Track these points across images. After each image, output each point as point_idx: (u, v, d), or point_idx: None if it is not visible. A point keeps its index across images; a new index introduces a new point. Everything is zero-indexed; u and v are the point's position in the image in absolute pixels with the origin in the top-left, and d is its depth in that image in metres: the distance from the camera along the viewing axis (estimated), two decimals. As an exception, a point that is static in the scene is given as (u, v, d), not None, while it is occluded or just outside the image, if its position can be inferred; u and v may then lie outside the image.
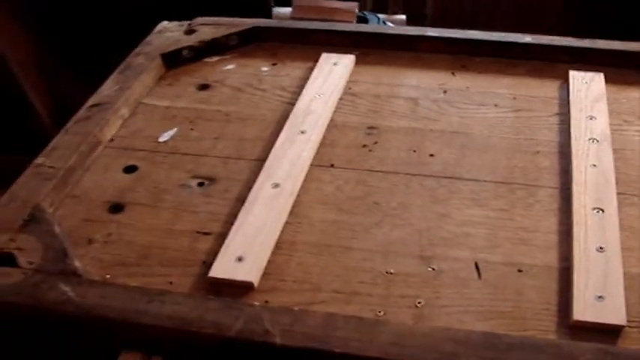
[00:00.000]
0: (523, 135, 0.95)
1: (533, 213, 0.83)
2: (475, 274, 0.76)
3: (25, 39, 2.05)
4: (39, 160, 0.95)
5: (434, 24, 1.67)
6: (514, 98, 1.03)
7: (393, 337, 0.67)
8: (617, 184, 0.85)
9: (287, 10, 1.70)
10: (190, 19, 1.26)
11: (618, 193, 0.84)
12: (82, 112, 1.04)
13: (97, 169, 0.96)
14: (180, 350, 0.71)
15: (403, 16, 1.77)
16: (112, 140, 1.01)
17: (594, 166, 0.87)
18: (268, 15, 1.83)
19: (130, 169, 0.96)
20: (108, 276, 0.80)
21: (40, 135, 1.08)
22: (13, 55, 1.99)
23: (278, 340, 0.68)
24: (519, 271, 0.76)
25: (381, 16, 1.71)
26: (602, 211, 0.80)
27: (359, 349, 0.66)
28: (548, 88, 1.04)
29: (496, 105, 1.02)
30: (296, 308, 0.71)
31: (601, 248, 0.75)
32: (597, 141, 0.91)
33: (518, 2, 2.00)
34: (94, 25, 2.02)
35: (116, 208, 0.90)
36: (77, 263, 0.80)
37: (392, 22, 1.71)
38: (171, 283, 0.78)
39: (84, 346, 0.74)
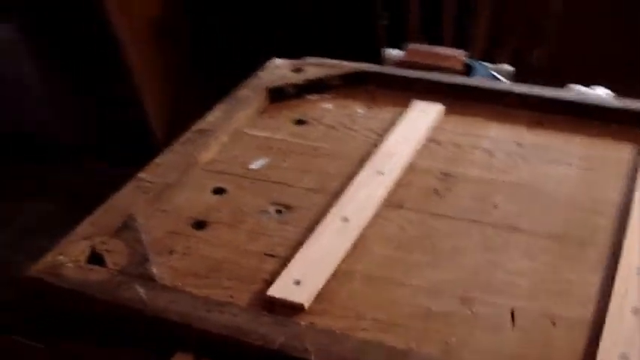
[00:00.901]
0: (587, 193, 0.97)
1: (579, 267, 0.85)
2: (510, 321, 0.79)
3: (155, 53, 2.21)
4: (141, 174, 1.05)
5: (541, 76, 1.68)
6: (586, 158, 1.05)
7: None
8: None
9: (398, 52, 1.76)
10: (304, 56, 1.34)
11: (671, 257, 0.84)
12: (187, 134, 1.15)
13: (189, 188, 1.05)
14: (229, 356, 0.78)
15: (510, 68, 1.79)
16: (208, 163, 1.11)
17: (651, 229, 0.88)
18: (379, 56, 1.91)
19: (218, 191, 1.05)
20: (180, 284, 0.88)
21: (152, 148, 1.20)
22: (139, 67, 2.14)
23: (313, 358, 0.73)
24: (553, 323, 0.78)
25: (488, 65, 1.75)
26: (651, 270, 0.82)
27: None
28: (621, 151, 1.05)
29: (566, 162, 1.04)
30: (337, 332, 0.76)
31: (636, 310, 0.76)
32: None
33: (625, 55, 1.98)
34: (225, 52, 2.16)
35: (199, 224, 0.98)
36: (155, 270, 0.89)
37: (498, 72, 1.74)
38: (231, 296, 0.85)
39: (145, 343, 0.82)
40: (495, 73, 1.70)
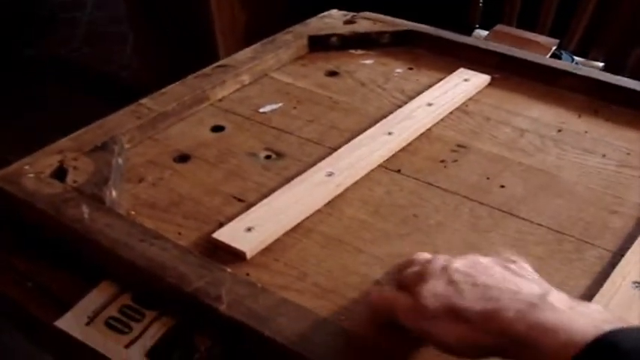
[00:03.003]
0: (612, 191, 0.83)
1: (567, 268, 0.72)
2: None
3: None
4: (143, 100, 1.00)
5: (633, 76, 1.51)
6: (627, 153, 0.90)
7: (328, 338, 0.62)
8: (686, 266, 0.71)
9: (486, 33, 1.63)
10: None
11: (681, 276, 0.70)
12: (207, 69, 1.08)
13: (190, 122, 0.99)
14: (145, 292, 0.71)
15: (600, 64, 1.62)
16: (220, 100, 1.04)
17: (667, 239, 0.74)
18: (468, 34, 1.78)
19: (217, 129, 0.98)
20: (133, 212, 0.81)
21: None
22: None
23: (223, 308, 0.65)
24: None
25: (577, 59, 1.58)
26: (643, 286, 0.68)
27: (290, 342, 0.62)
28: (673, 152, 0.90)
29: (604, 155, 0.90)
30: (259, 285, 0.68)
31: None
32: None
33: None
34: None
35: (182, 158, 0.92)
36: (113, 194, 0.83)
37: (587, 67, 1.58)
38: (180, 233, 0.78)
39: (78, 266, 0.76)
40: (582, 67, 1.53)
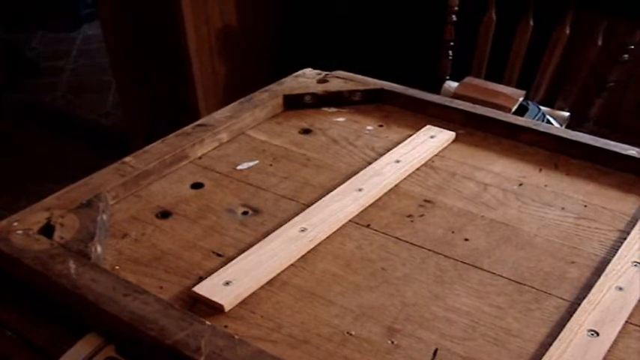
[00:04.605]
0: (570, 242, 0.89)
1: (526, 318, 0.78)
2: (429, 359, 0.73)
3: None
4: (126, 158, 1.05)
5: (597, 127, 1.59)
6: (585, 206, 0.97)
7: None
8: (633, 314, 0.77)
9: (457, 85, 1.71)
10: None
11: (630, 323, 0.76)
12: (187, 128, 1.14)
13: (170, 179, 1.04)
14: (129, 345, 0.76)
15: (566, 114, 1.70)
16: (200, 158, 1.09)
17: (620, 289, 0.79)
18: (439, 85, 1.85)
19: (197, 186, 1.03)
20: (117, 267, 0.86)
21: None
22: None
23: (202, 359, 0.70)
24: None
25: (544, 109, 1.66)
26: (597, 334, 0.74)
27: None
28: (627, 204, 0.96)
29: (562, 208, 0.96)
30: (236, 337, 0.73)
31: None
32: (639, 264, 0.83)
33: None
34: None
35: (164, 214, 0.97)
36: (98, 250, 0.88)
37: (554, 116, 1.66)
38: (161, 287, 0.83)
39: (64, 320, 0.80)
40: (549, 117, 1.61)
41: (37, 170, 2.46)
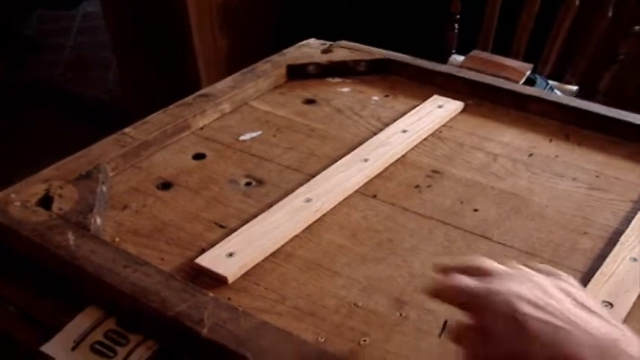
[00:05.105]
0: (582, 213, 0.87)
1: (537, 290, 0.75)
2: (438, 331, 0.70)
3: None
4: (126, 129, 1.02)
5: (605, 97, 1.55)
6: (597, 176, 0.94)
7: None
8: (650, 285, 0.74)
9: (462, 58, 1.68)
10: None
11: (646, 295, 0.74)
12: (188, 98, 1.11)
13: (172, 150, 1.02)
14: (130, 317, 0.73)
15: (575, 87, 1.67)
16: (201, 129, 1.07)
17: (634, 259, 0.77)
18: (445, 59, 1.82)
19: (198, 156, 1.01)
20: (117, 239, 0.84)
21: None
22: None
23: (205, 332, 0.68)
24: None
25: (552, 82, 1.63)
26: (611, 305, 0.71)
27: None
28: (638, 175, 0.93)
29: (574, 179, 0.93)
30: (240, 309, 0.70)
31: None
32: (657, 237, 0.81)
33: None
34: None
35: (165, 185, 0.95)
36: (97, 221, 0.86)
37: (562, 90, 1.62)
38: (162, 259, 0.81)
39: (63, 292, 0.78)
40: (557, 91, 1.58)
41: (37, 147, 2.43)
